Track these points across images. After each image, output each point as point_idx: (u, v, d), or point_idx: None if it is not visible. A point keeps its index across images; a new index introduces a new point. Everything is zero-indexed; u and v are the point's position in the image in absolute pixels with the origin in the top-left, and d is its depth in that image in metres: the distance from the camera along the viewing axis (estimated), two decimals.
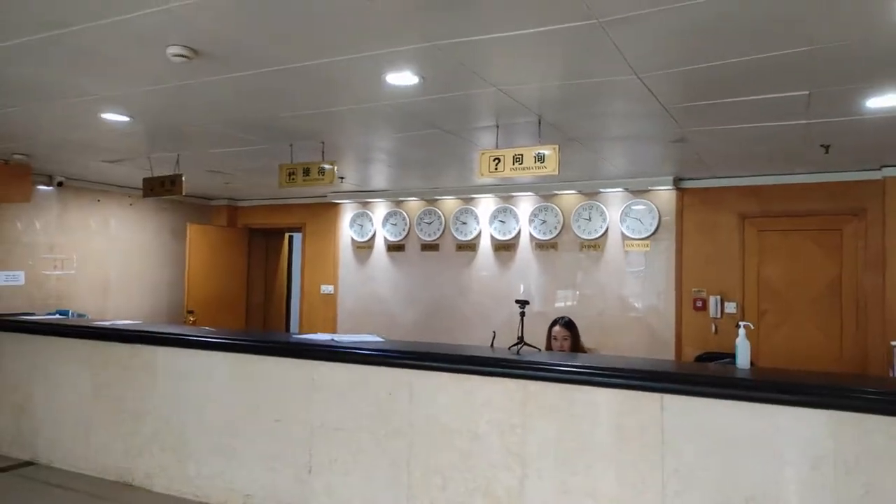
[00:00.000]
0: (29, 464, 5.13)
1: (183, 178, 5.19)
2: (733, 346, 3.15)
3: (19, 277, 5.95)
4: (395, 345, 4.06)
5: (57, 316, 5.80)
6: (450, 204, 7.19)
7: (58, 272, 6.34)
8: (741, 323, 3.11)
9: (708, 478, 2.89)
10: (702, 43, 2.73)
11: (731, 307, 5.91)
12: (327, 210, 7.90)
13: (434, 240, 7.22)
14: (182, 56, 2.82)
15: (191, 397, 4.43)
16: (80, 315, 6.05)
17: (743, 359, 3.03)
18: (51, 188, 6.30)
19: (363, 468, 3.76)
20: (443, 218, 7.18)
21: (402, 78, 3.21)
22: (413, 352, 3.72)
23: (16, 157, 5.38)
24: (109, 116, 3.99)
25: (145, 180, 5.37)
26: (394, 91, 3.43)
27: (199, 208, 8.18)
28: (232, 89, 3.42)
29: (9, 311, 5.75)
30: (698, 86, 3.31)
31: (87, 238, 6.69)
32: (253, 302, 8.51)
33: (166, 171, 5.40)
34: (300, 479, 3.94)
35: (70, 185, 6.45)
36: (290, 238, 9.22)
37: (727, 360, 3.46)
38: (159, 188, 5.32)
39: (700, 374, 3.19)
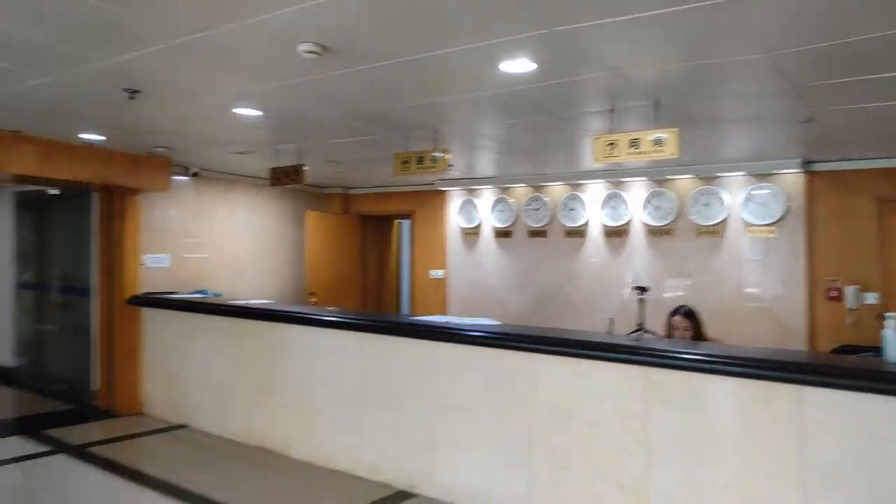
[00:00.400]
0: (182, 426, 5.72)
1: (305, 168, 5.51)
2: (874, 339, 2.95)
3: (164, 260, 6.57)
4: (513, 328, 4.13)
5: (197, 295, 6.37)
6: (557, 190, 7.14)
7: (195, 255, 6.94)
8: (888, 314, 2.89)
9: (855, 476, 2.74)
10: (835, 18, 2.56)
11: (870, 298, 5.46)
12: (435, 197, 8.08)
13: (542, 226, 7.20)
14: (313, 52, 3.00)
15: (320, 372, 4.75)
16: (216, 294, 6.60)
17: (893, 352, 2.82)
18: (186, 178, 6.88)
19: (484, 447, 3.88)
20: (550, 204, 7.14)
21: (518, 65, 3.24)
22: (531, 335, 3.77)
23: (158, 150, 5.92)
24: (242, 111, 4.31)
25: (272, 170, 5.76)
26: (507, 79, 3.47)
27: (316, 196, 8.62)
28: (354, 83, 3.59)
29: (157, 290, 6.38)
30: (831, 63, 3.10)
31: (219, 224, 7.26)
32: (367, 285, 8.90)
33: (289, 162, 5.75)
34: (423, 454, 4.13)
35: (203, 175, 7.01)
36: (400, 224, 9.53)
37: (870, 353, 3.23)
38: (284, 177, 5.68)
39: (844, 366, 3.01)
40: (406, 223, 9.20)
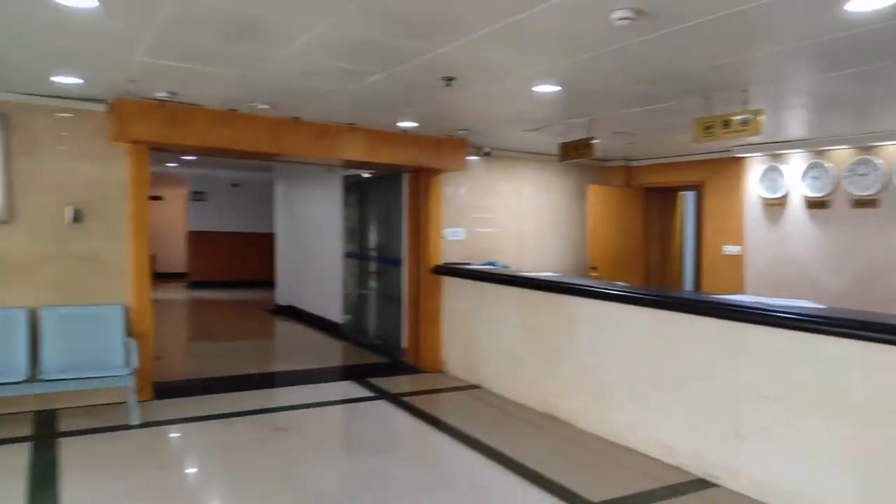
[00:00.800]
0: (475, 387, 6.25)
1: (595, 141, 5.48)
2: None
3: (460, 234, 7.19)
4: (846, 312, 3.59)
5: (487, 266, 6.84)
6: (893, 151, 5.94)
7: (485, 229, 7.44)
8: None
9: None
10: None
11: None
12: (730, 166, 7.38)
13: (871, 194, 6.08)
14: (627, 18, 2.92)
15: (608, 346, 4.73)
16: (503, 266, 7.00)
17: None
18: (478, 157, 7.36)
19: (803, 444, 3.47)
20: (884, 168, 5.98)
21: (870, 1, 2.74)
22: (871, 322, 3.23)
23: (458, 132, 6.44)
24: (542, 88, 4.42)
25: (561, 144, 5.85)
26: (852, 20, 2.96)
27: (597, 170, 8.54)
28: (661, 46, 3.41)
29: (453, 261, 7.00)
30: None
31: (506, 200, 7.67)
32: (650, 260, 8.59)
33: (578, 136, 5.77)
34: (726, 442, 3.86)
35: (494, 154, 7.44)
36: (684, 197, 8.95)
37: None
38: (573, 151, 5.73)
39: None
40: (690, 195, 8.61)
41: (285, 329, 9.92)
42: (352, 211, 8.83)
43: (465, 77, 4.10)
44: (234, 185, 14.40)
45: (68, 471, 3.89)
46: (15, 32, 3.36)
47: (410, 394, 6.05)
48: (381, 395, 5.95)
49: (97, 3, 2.87)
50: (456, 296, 6.72)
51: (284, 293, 11.16)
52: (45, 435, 4.51)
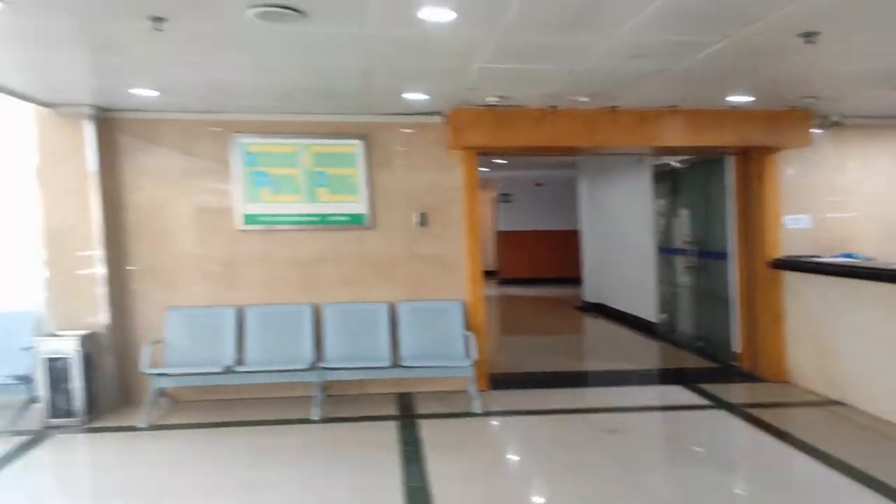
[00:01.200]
0: (836, 403, 5.27)
1: None
2: None
3: (804, 221, 6.16)
4: None
5: (844, 258, 5.72)
6: None
7: (838, 215, 6.26)
8: None
9: None
10: None
11: None
12: None
13: None
14: None
15: None
16: (867, 259, 5.79)
17: None
18: (823, 130, 6.22)
19: None
20: None
21: None
22: None
23: (803, 101, 5.49)
24: None
25: None
26: None
27: None
28: None
29: (795, 253, 6.03)
30: None
31: (865, 178, 6.35)
32: None
33: None
34: None
35: (846, 124, 6.21)
36: None
37: None
38: None
39: None
40: None
41: (596, 326, 9.80)
42: (663, 202, 8.29)
43: (834, 27, 3.40)
44: (538, 184, 14.86)
45: (430, 448, 4.30)
46: (384, 54, 3.79)
47: (752, 405, 5.36)
48: (718, 403, 5.38)
49: (455, 16, 3.06)
50: (804, 294, 5.76)
51: (592, 290, 11.06)
52: (406, 416, 5.09)
